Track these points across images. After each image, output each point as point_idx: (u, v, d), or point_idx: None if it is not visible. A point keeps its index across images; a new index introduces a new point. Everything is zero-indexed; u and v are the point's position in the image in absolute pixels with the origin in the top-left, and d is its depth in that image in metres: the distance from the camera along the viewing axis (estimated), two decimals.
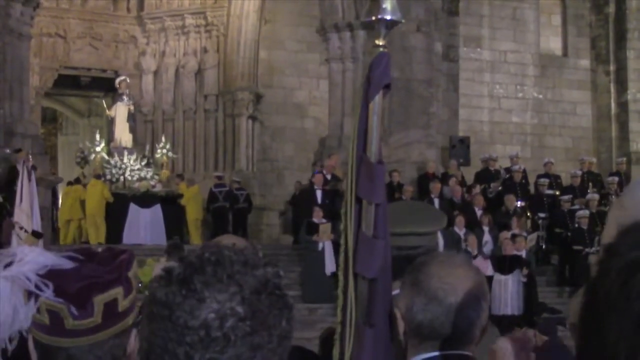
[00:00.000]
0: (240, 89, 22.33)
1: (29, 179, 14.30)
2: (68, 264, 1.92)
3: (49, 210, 18.61)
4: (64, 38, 22.56)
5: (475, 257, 15.55)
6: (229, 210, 20.14)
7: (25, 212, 13.39)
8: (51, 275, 1.89)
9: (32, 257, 1.91)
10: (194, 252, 1.38)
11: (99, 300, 1.89)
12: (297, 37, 23.27)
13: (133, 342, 1.95)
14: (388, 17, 2.27)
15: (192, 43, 22.89)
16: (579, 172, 20.58)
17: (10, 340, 1.91)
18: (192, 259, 1.36)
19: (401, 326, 2.23)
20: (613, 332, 1.19)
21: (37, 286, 1.86)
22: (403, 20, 2.36)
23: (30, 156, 15.73)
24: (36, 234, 13.60)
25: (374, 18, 2.27)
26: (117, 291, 1.91)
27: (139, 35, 23.23)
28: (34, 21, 19.33)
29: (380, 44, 2.28)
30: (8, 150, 16.81)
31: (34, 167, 15.42)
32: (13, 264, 1.89)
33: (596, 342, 1.22)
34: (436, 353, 2.17)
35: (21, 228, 13.08)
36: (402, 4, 2.12)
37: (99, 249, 2.02)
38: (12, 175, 15.56)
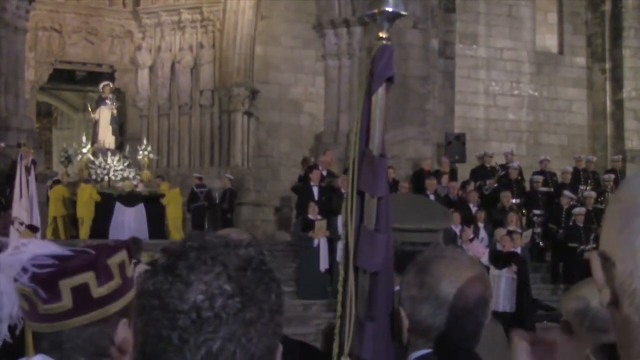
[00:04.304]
0: (236, 84, 22.30)
1: (28, 174, 14.24)
2: (67, 254, 1.92)
3: (45, 205, 18.61)
4: (60, 32, 22.50)
5: (472, 239, 15.59)
6: (208, 210, 20.37)
7: (25, 207, 13.35)
8: (39, 264, 1.89)
9: (31, 248, 1.90)
10: (177, 242, 1.39)
11: (65, 284, 1.87)
12: (293, 33, 23.23)
13: (122, 333, 1.93)
14: (390, 10, 2.26)
15: (188, 38, 22.85)
16: (570, 169, 20.60)
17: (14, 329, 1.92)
18: (175, 248, 1.37)
19: (405, 324, 2.22)
20: None
21: (18, 273, 1.86)
22: (406, 13, 2.35)
23: (32, 150, 15.72)
24: (33, 228, 13.53)
25: (376, 10, 2.26)
26: (86, 276, 1.89)
27: (135, 30, 23.18)
28: (30, 15, 19.28)
29: (383, 36, 2.27)
30: (3, 144, 16.75)
31: (34, 162, 15.36)
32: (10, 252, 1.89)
33: None
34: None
35: (21, 223, 13.04)
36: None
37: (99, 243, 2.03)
38: (13, 170, 15.52)
